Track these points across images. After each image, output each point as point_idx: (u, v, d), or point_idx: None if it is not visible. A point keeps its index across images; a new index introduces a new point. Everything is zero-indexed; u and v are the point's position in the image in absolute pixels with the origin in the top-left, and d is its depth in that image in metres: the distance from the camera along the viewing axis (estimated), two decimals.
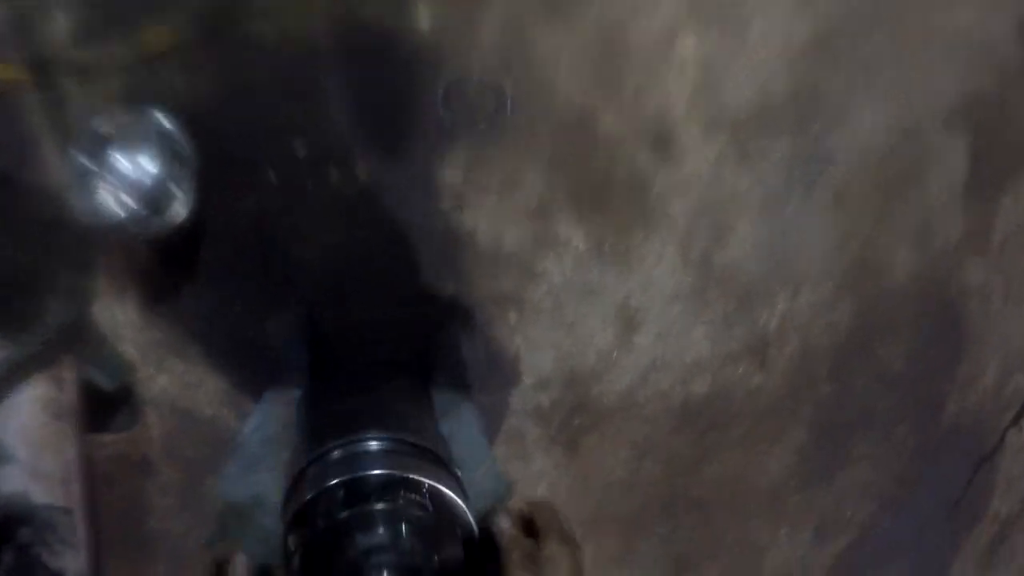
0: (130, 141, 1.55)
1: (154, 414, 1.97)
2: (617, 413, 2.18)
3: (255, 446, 1.62)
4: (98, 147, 1.53)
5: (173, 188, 1.62)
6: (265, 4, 1.69)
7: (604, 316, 2.08)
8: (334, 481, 1.20)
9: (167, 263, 1.87)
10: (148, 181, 1.55)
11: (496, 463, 1.66)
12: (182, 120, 1.65)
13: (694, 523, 2.46)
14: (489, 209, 1.94)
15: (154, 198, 1.56)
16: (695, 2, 1.94)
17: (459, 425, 1.74)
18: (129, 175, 1.53)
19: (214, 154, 1.75)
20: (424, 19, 1.76)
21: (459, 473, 1.36)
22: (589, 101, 1.94)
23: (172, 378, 1.95)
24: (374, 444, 1.33)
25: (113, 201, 1.53)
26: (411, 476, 1.21)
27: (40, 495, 1.69)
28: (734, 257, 2.15)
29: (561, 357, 2.09)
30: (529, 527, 1.08)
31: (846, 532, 2.72)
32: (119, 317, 1.88)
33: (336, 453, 1.32)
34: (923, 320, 2.49)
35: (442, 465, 1.34)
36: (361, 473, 1.21)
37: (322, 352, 1.93)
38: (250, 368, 1.92)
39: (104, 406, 1.90)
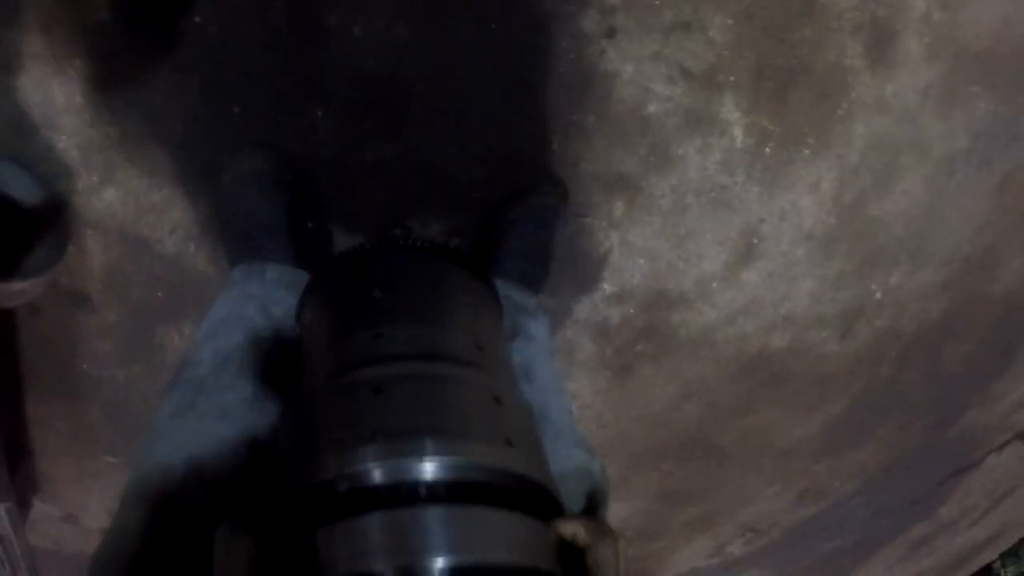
0: None
1: (96, 239, 1.15)
2: (687, 348, 1.51)
3: (205, 368, 0.86)
4: None
5: None
6: None
7: (725, 237, 1.36)
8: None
9: (139, 24, 1.01)
10: None
11: (575, 423, 0.94)
12: None
13: (700, 467, 1.87)
14: (645, 51, 1.16)
15: None
16: None
17: (527, 350, 0.99)
18: None
19: None
20: None
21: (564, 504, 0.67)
22: None
23: (124, 194, 1.12)
24: (430, 469, 0.59)
25: None
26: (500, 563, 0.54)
27: None
28: (886, 211, 1.45)
29: (656, 272, 1.37)
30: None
31: (821, 501, 2.21)
32: (57, 98, 1.03)
33: (372, 477, 0.59)
34: (993, 333, 1.89)
35: (544, 499, 0.64)
36: (425, 561, 0.52)
37: (345, 205, 1.14)
38: (239, 201, 1.11)
39: (14, 234, 1.05)
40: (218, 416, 0.79)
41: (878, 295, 1.61)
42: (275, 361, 0.89)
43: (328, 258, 1.01)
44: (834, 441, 1.98)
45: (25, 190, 1.04)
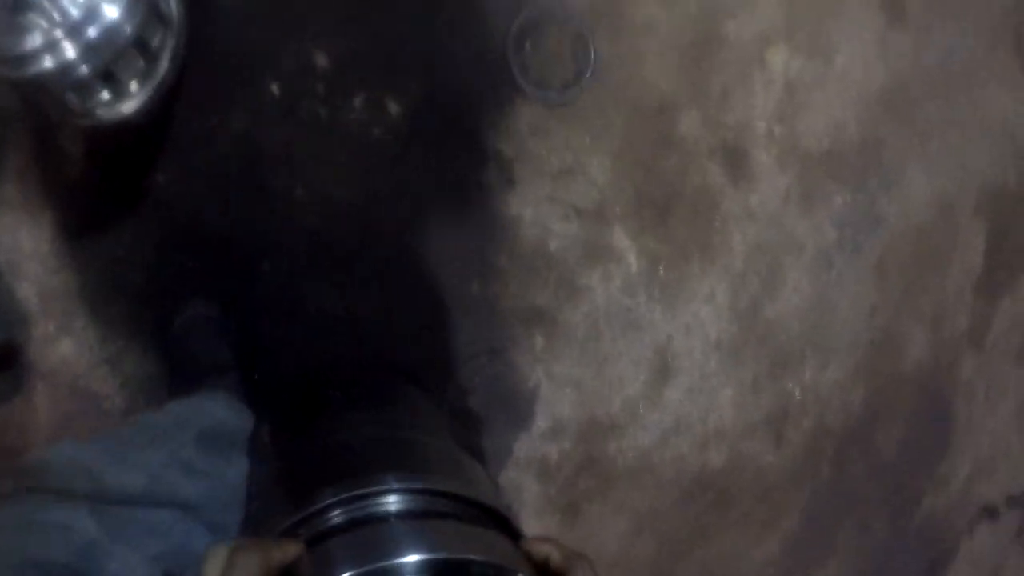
0: None
1: (45, 390, 1.20)
2: (628, 477, 1.62)
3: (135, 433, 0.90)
4: None
5: (134, 57, 0.96)
6: None
7: (640, 357, 1.53)
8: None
9: (108, 180, 1.17)
10: (99, 27, 0.88)
11: None
12: None
13: None
14: (541, 195, 1.38)
15: (102, 55, 0.90)
16: (792, 14, 1.52)
17: None
18: (75, 10, 0.86)
19: (208, 42, 1.12)
20: None
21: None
22: (674, 90, 1.45)
23: (79, 345, 1.21)
24: (394, 500, 0.66)
25: (43, 42, 0.85)
26: (473, 558, 0.58)
27: None
28: (779, 311, 1.68)
29: (583, 400, 1.51)
30: None
31: None
32: (24, 244, 1.15)
33: (337, 516, 0.65)
34: (920, 411, 2.13)
35: (508, 529, 0.71)
36: (392, 561, 0.56)
37: (287, 347, 1.26)
38: (186, 346, 1.21)
39: None
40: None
41: (797, 394, 1.81)
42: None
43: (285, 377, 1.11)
44: (798, 557, 2.08)
45: None
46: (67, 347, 1.19)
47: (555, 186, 1.37)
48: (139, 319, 1.20)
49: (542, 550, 0.60)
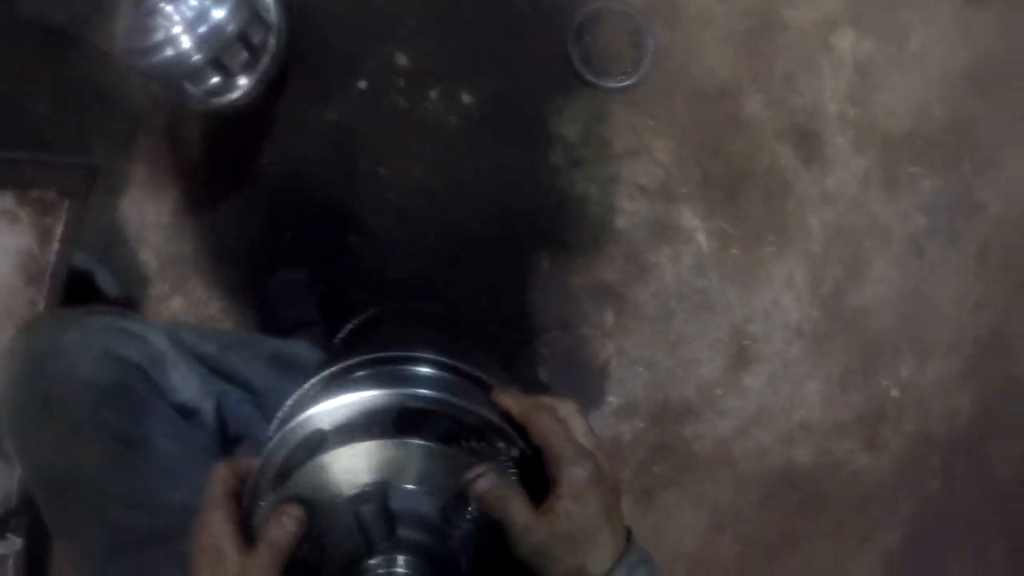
0: None
1: None
2: (706, 467, 1.67)
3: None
4: None
5: (239, 50, 1.20)
6: None
7: (715, 339, 1.61)
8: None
9: (220, 163, 1.43)
10: (208, 25, 1.14)
11: None
12: None
13: None
14: (605, 175, 1.52)
15: (211, 46, 1.14)
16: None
17: None
18: (189, 12, 1.11)
19: (305, 44, 1.38)
20: None
21: None
22: (735, 75, 1.56)
23: (188, 304, 1.46)
24: (425, 368, 0.66)
25: (165, 36, 1.10)
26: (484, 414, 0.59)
27: None
28: (867, 299, 1.71)
29: (656, 381, 1.60)
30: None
31: None
32: (148, 217, 1.43)
33: (361, 371, 0.66)
34: None
35: None
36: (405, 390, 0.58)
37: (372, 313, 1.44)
38: (278, 303, 1.45)
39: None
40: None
41: (894, 393, 1.82)
42: None
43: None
44: None
45: (109, 284, 1.38)
46: (177, 304, 1.43)
47: (620, 167, 1.50)
48: (241, 283, 1.44)
49: (503, 402, 0.61)
